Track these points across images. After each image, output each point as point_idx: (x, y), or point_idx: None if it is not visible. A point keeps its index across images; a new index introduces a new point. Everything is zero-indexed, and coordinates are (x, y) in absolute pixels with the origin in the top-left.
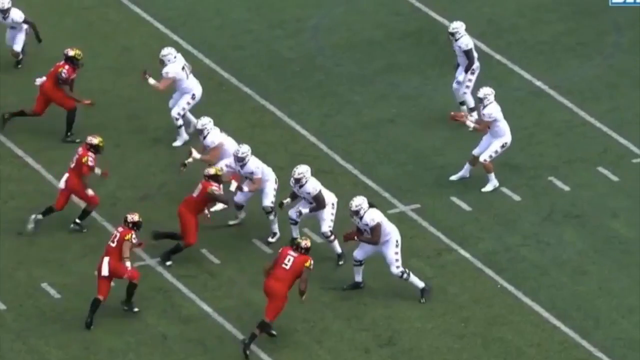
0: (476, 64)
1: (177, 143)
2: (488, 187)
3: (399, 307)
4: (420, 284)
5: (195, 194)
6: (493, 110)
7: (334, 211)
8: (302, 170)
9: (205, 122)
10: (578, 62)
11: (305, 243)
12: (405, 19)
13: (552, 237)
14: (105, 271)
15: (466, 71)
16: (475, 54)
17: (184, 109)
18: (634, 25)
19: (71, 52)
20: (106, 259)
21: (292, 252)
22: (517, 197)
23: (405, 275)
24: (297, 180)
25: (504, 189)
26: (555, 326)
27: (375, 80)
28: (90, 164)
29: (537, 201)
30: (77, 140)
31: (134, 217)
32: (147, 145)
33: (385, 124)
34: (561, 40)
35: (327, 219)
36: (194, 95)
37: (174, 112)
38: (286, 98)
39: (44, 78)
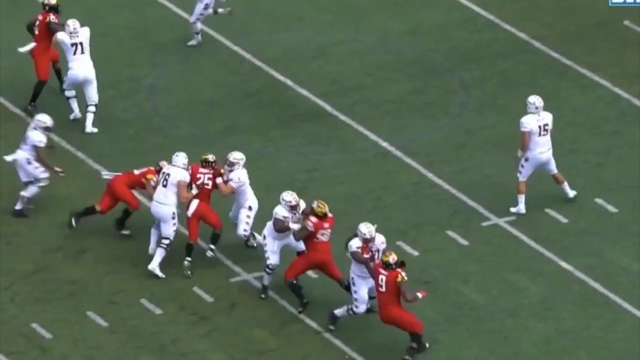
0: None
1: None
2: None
3: None
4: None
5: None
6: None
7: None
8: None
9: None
10: (425, 122)
11: (392, 258)
12: (246, 78)
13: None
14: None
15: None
16: None
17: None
18: (481, 85)
19: (53, 1)
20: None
21: (382, 271)
22: None
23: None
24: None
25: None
26: None
27: (216, 142)
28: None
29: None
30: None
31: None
32: None
33: None
34: (407, 100)
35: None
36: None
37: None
38: (121, 162)
39: (32, 44)
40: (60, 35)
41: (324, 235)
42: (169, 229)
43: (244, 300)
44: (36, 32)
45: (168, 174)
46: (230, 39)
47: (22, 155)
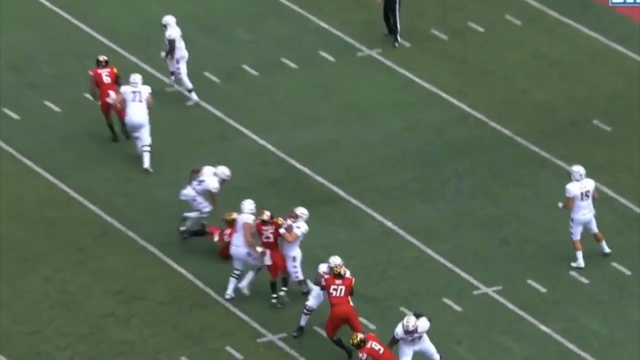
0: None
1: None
2: None
3: None
4: None
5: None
6: None
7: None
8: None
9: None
10: (424, 206)
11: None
12: (271, 167)
13: None
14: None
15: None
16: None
17: None
18: (472, 174)
19: (105, 57)
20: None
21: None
22: (372, 326)
23: None
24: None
25: (360, 319)
26: None
27: None
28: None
29: (391, 329)
30: None
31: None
32: (39, 283)
33: None
34: (409, 187)
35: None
36: None
37: None
38: (166, 240)
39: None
40: (124, 88)
41: (336, 291)
42: (252, 262)
43: (270, 358)
44: (106, 82)
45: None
46: (258, 134)
47: (190, 192)
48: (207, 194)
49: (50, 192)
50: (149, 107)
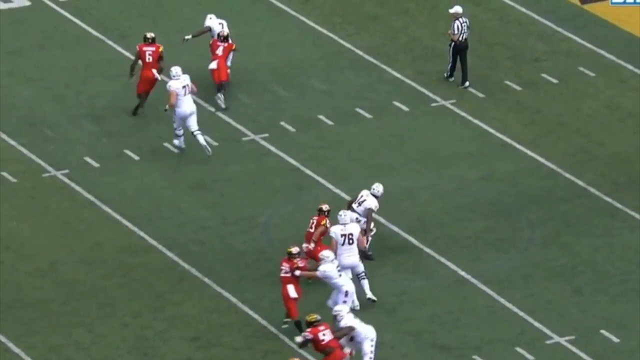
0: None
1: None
2: None
3: None
4: None
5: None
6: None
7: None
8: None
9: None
10: (497, 255)
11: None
12: None
13: None
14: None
15: None
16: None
17: None
18: (545, 224)
19: (153, 35)
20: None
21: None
22: None
23: None
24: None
25: None
26: None
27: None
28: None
29: None
30: None
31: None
32: (117, 329)
33: None
34: (482, 236)
35: (367, 353)
36: None
37: None
38: (240, 286)
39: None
40: (174, 84)
41: (325, 336)
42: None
43: None
44: (148, 61)
45: (351, 234)
46: (333, 183)
47: (353, 215)
48: (368, 213)
49: (129, 239)
50: (194, 93)
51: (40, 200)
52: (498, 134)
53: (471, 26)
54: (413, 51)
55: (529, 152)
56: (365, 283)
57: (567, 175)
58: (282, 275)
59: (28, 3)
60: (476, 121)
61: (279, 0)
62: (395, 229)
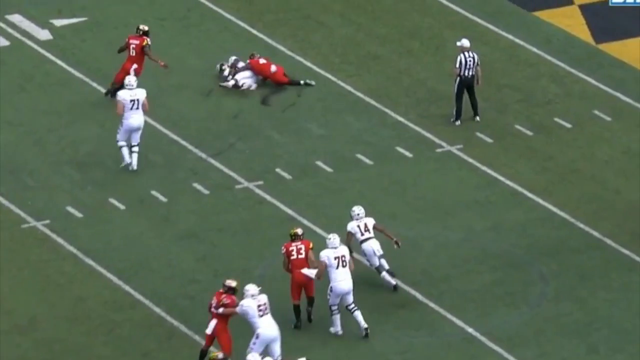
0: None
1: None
2: None
3: None
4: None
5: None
6: None
7: None
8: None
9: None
10: (507, 311)
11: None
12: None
13: None
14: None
15: None
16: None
17: None
18: (558, 277)
19: (146, 27)
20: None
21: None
22: None
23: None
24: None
25: None
26: None
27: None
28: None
29: None
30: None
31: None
32: None
33: None
34: (491, 290)
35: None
36: None
37: None
38: (233, 344)
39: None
40: (122, 94)
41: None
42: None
43: None
44: (132, 54)
45: (343, 255)
46: (331, 233)
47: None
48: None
49: (114, 293)
50: (145, 111)
51: (19, 252)
52: (508, 182)
53: (481, 64)
54: (417, 93)
55: (540, 201)
56: (358, 314)
57: (582, 225)
58: (212, 310)
59: (7, 42)
60: (484, 168)
61: (275, 40)
62: (398, 282)
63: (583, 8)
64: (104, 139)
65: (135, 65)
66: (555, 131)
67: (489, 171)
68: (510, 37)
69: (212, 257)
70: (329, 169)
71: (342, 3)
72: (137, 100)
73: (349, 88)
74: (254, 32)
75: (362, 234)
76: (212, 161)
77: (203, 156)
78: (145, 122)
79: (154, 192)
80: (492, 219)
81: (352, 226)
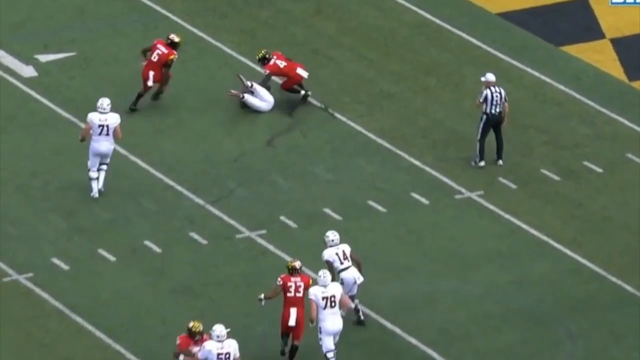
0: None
1: None
2: None
3: None
4: None
5: None
6: None
7: None
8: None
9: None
10: None
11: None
12: (355, 328)
13: None
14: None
15: None
16: None
17: None
18: (588, 336)
19: (177, 39)
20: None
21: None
22: None
23: None
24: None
25: None
26: None
27: None
28: None
29: None
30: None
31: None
32: None
33: None
34: (515, 350)
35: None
36: None
37: None
38: None
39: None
40: (91, 116)
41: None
42: None
43: None
44: (154, 59)
45: (333, 295)
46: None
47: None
48: None
49: (104, 353)
50: (117, 139)
51: None
52: (533, 231)
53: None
54: (434, 134)
55: (568, 252)
56: None
57: (614, 278)
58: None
59: None
60: (507, 216)
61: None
62: (414, 340)
63: (615, 42)
64: None
65: (152, 72)
66: (584, 176)
67: (513, 219)
68: (536, 73)
69: (210, 314)
70: (338, 217)
71: (353, 36)
72: (107, 126)
73: (359, 128)
74: (257, 68)
75: (342, 263)
76: (211, 208)
77: (201, 203)
78: (138, 165)
79: (147, 242)
80: (515, 272)
81: (330, 254)
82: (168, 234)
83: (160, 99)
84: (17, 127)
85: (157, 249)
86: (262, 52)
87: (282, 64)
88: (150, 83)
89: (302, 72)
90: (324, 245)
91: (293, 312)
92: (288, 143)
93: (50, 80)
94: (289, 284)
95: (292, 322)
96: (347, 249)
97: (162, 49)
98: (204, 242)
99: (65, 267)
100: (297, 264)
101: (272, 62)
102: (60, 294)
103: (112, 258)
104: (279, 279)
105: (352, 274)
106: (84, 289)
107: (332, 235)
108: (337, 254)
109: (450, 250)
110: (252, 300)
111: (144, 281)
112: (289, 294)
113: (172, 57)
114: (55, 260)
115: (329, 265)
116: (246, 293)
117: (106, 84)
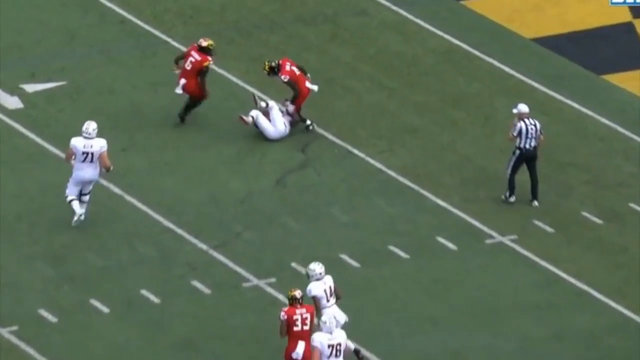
0: None
1: None
2: None
3: None
4: None
5: None
6: None
7: None
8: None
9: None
10: None
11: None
12: None
13: None
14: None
15: None
16: None
17: None
18: None
19: (204, 43)
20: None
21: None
22: None
23: None
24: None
25: None
26: None
27: None
28: None
29: None
30: None
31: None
32: None
33: None
34: None
35: None
36: None
37: None
38: None
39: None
40: (74, 141)
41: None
42: None
43: None
44: (187, 67)
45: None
46: (360, 342)
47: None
48: None
49: None
50: (104, 167)
51: None
52: (572, 280)
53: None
54: (462, 172)
55: (612, 304)
56: None
57: None
58: None
59: None
60: (543, 263)
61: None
62: None
63: None
64: (84, 228)
65: (184, 81)
66: (629, 219)
67: (549, 267)
68: (576, 105)
69: None
70: (355, 264)
71: (372, 65)
72: (91, 153)
73: (379, 166)
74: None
75: (328, 300)
76: (215, 254)
77: (204, 248)
78: (134, 206)
79: (144, 292)
80: (553, 326)
81: (318, 289)
82: (167, 282)
83: (190, 115)
84: (1, 165)
85: (155, 300)
86: (267, 62)
87: (296, 70)
88: (179, 90)
89: (310, 85)
90: (308, 278)
91: (301, 345)
92: (300, 182)
93: (37, 112)
94: (295, 317)
95: (297, 354)
96: (332, 282)
97: (195, 56)
98: (207, 291)
99: (53, 319)
100: (298, 292)
101: (287, 68)
102: (47, 350)
103: (105, 309)
104: (282, 312)
105: (337, 314)
106: (73, 343)
107: (318, 267)
108: (325, 290)
109: (480, 301)
110: (259, 355)
111: (141, 335)
112: (295, 328)
113: (206, 63)
114: (42, 312)
115: (316, 302)
116: (254, 348)
117: (99, 117)
